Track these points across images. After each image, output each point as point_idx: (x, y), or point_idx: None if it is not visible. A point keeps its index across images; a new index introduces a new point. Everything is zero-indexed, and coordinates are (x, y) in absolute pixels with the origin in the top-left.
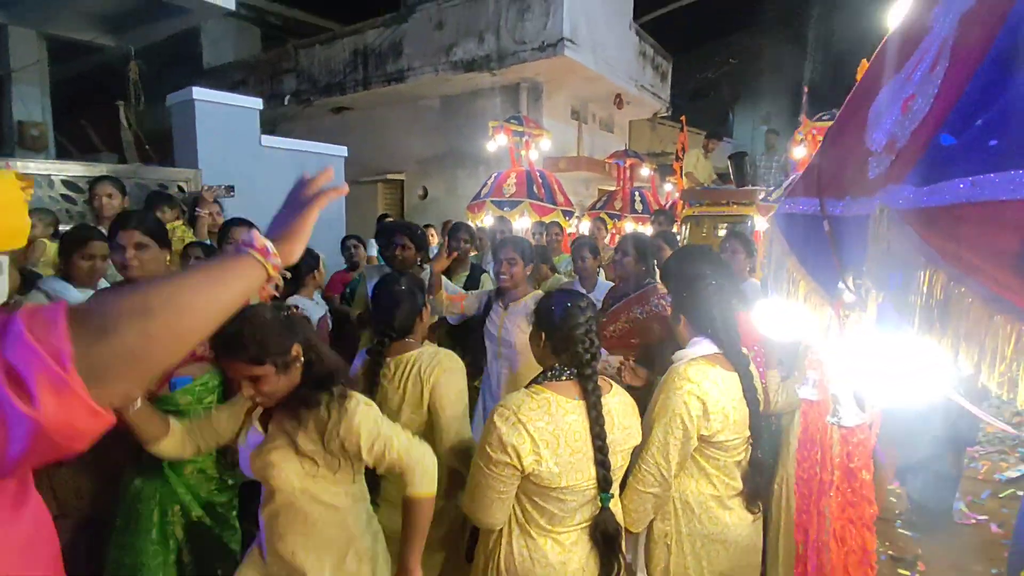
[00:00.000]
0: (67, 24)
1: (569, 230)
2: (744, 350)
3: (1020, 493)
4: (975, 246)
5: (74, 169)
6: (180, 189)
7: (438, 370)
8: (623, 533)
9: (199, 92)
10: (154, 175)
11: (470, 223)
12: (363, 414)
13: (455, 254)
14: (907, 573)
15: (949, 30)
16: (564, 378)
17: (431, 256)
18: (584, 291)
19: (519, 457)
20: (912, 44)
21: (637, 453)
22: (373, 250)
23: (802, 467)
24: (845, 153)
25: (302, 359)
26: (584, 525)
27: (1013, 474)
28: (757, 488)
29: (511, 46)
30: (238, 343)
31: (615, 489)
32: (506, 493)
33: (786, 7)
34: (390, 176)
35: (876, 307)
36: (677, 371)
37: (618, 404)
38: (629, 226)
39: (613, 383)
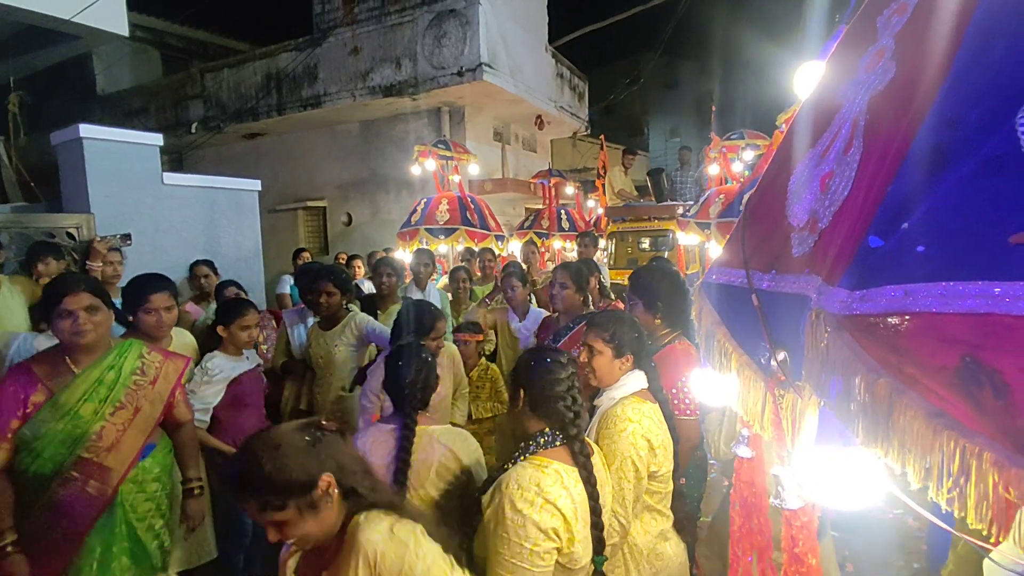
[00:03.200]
0: None
1: (504, 253)
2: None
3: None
4: (913, 359)
5: None
6: (70, 236)
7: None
8: None
9: (87, 129)
10: (39, 223)
11: (393, 257)
12: (426, 554)
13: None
14: (837, 574)
15: (859, 111)
16: (558, 444)
17: (357, 295)
18: (517, 320)
19: (559, 538)
20: (825, 119)
21: None
22: (287, 287)
23: (735, 523)
24: (768, 226)
25: (336, 491)
26: None
27: None
28: (688, 514)
29: (430, 71)
30: (248, 484)
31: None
32: None
33: (686, 28)
34: (310, 203)
35: (816, 415)
36: (615, 413)
37: (597, 463)
38: (557, 244)
39: (591, 442)
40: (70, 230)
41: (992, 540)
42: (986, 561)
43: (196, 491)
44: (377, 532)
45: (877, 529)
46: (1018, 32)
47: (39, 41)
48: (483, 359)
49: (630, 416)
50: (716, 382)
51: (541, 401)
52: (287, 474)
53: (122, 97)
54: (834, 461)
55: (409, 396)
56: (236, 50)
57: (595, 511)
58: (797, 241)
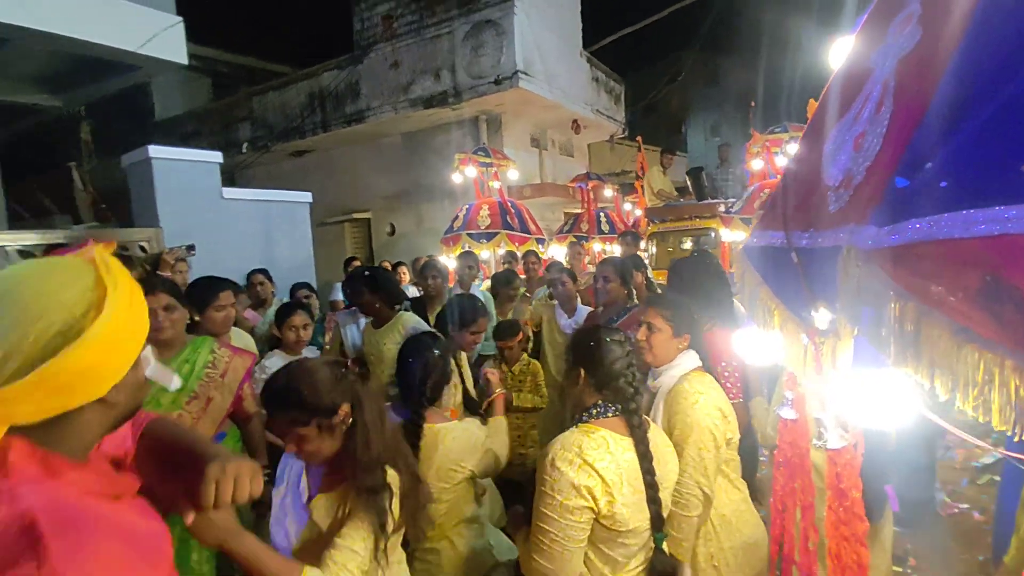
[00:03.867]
0: (9, 88)
1: (544, 257)
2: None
3: (996, 478)
4: (939, 282)
5: (28, 238)
6: (141, 248)
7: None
8: (678, 571)
9: (155, 150)
10: (113, 237)
11: (438, 259)
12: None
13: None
14: (899, 569)
15: (889, 72)
16: (611, 415)
17: (405, 298)
18: (567, 317)
19: (594, 499)
20: (857, 85)
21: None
22: (339, 294)
23: (778, 482)
24: (805, 188)
25: (349, 421)
26: (639, 569)
27: (988, 460)
28: (753, 478)
29: (468, 81)
30: (283, 400)
31: (667, 528)
32: (583, 541)
33: (727, 22)
34: (356, 215)
35: (852, 341)
36: (683, 388)
37: (660, 440)
38: (597, 247)
39: (650, 420)
40: (141, 243)
41: (1016, 439)
42: None
43: (266, 478)
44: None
45: (941, 524)
46: None
47: (102, 73)
48: (524, 354)
49: (699, 388)
50: (760, 339)
51: (603, 378)
52: (316, 396)
53: (177, 122)
54: (868, 384)
55: (417, 391)
56: (280, 73)
57: (651, 485)
58: (833, 199)
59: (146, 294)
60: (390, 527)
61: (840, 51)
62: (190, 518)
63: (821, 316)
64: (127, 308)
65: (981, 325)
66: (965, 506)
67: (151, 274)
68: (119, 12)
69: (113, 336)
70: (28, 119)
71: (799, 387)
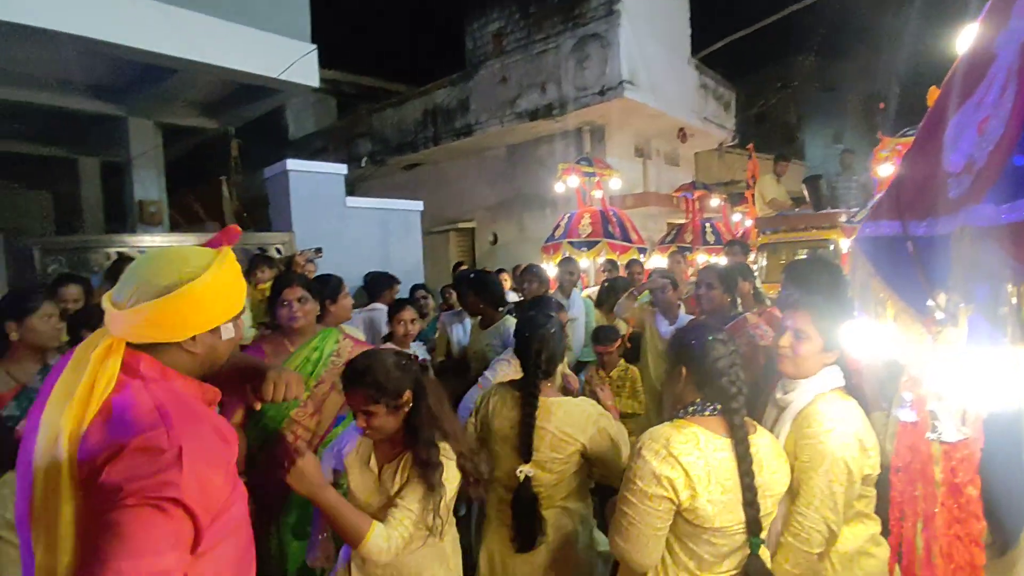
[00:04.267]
0: (176, 112)
1: (646, 267)
2: None
3: None
4: None
5: (191, 240)
6: (277, 251)
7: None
8: None
9: (292, 163)
10: (254, 240)
11: (538, 265)
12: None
13: None
14: None
15: (1013, 56)
16: (708, 413)
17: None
18: (668, 324)
19: (675, 490)
20: (980, 70)
21: (784, 501)
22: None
23: (896, 489)
24: (925, 175)
25: (411, 404)
26: (735, 570)
27: None
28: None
29: (572, 93)
30: (361, 379)
31: (764, 535)
32: (661, 530)
33: (844, 25)
34: (461, 224)
35: (967, 321)
36: (817, 411)
37: (765, 445)
38: (701, 258)
39: (756, 424)
40: (277, 246)
41: None
42: None
43: None
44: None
45: None
46: None
47: (249, 97)
48: (622, 360)
49: (837, 414)
50: (870, 333)
51: (705, 377)
52: (387, 380)
53: (307, 140)
54: (985, 366)
55: (533, 365)
56: (397, 91)
57: (748, 488)
58: (954, 185)
59: (284, 287)
60: (440, 493)
61: (965, 39)
62: (257, 405)
63: (939, 305)
64: (218, 285)
65: None
66: None
67: (289, 271)
68: (265, 43)
69: (199, 298)
70: (189, 139)
71: (919, 388)
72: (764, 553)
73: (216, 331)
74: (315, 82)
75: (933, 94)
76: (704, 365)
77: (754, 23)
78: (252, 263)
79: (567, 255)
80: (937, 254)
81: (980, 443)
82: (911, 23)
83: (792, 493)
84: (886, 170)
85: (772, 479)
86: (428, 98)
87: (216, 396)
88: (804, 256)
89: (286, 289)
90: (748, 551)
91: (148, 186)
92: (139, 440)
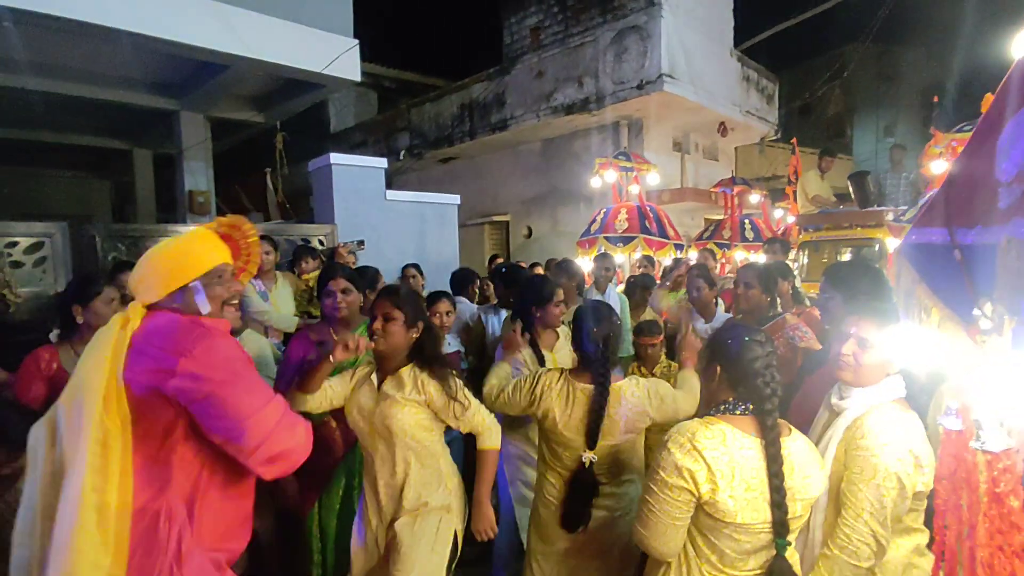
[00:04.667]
0: (226, 106)
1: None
2: None
3: None
4: None
5: None
6: (320, 242)
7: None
8: None
9: (336, 157)
10: (298, 231)
11: (569, 260)
12: (460, 394)
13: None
14: None
15: None
16: (739, 412)
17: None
18: (703, 321)
19: (695, 483)
20: None
21: (816, 506)
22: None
23: (940, 498)
24: (974, 183)
25: (419, 334)
26: (760, 570)
27: None
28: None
29: (610, 87)
30: (395, 290)
31: (792, 538)
32: (681, 520)
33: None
34: (496, 218)
35: (1011, 331)
36: (873, 423)
37: (799, 449)
38: (740, 255)
39: (792, 427)
40: (320, 237)
41: None
42: None
43: None
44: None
45: None
46: None
47: (295, 91)
48: (665, 357)
49: (893, 426)
50: (914, 339)
51: (740, 377)
52: (413, 305)
53: (348, 133)
54: None
55: (601, 356)
56: (435, 86)
57: (776, 489)
58: (1005, 195)
59: (331, 278)
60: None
61: (1021, 44)
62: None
63: (984, 314)
64: (180, 248)
65: None
66: None
67: (333, 263)
68: (310, 39)
69: (164, 257)
70: (238, 133)
71: (964, 396)
72: (792, 556)
73: (186, 289)
74: (357, 76)
75: (987, 100)
76: (740, 365)
77: (801, 11)
78: (296, 254)
79: (603, 250)
80: (984, 263)
81: (1022, 454)
82: (973, 12)
83: (838, 504)
84: (938, 167)
85: (804, 483)
86: (465, 92)
87: (228, 327)
88: (847, 256)
89: (331, 280)
90: (774, 552)
91: (197, 177)
92: (184, 340)
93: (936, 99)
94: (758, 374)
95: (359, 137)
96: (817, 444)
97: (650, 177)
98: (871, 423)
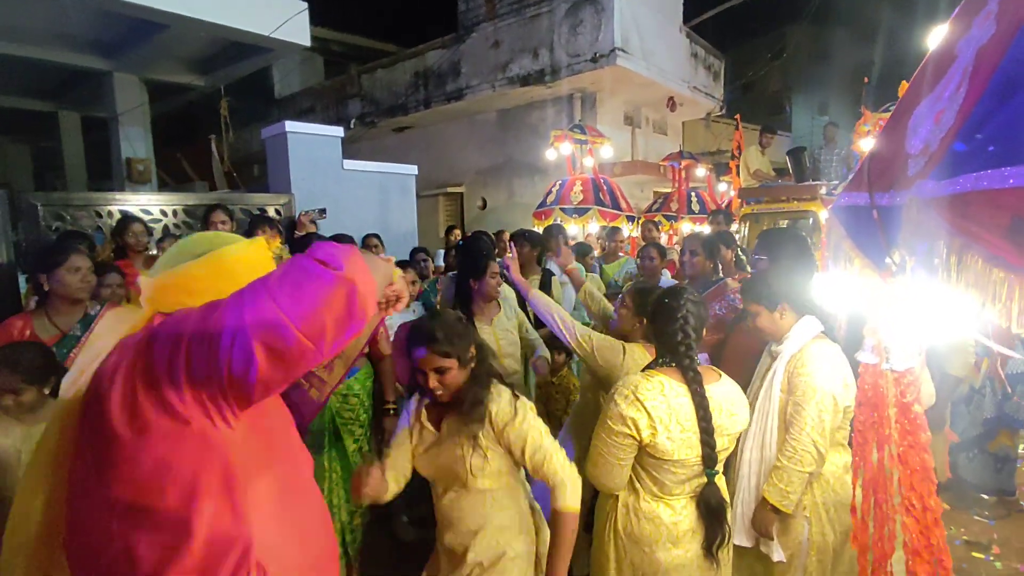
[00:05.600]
0: (164, 69)
1: (634, 234)
2: None
3: None
4: (978, 221)
5: (190, 199)
6: (277, 212)
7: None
8: (727, 507)
9: (291, 125)
10: (254, 201)
11: (530, 230)
12: (531, 422)
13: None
14: (981, 556)
15: (969, 60)
16: (674, 365)
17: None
18: None
19: (638, 430)
20: (943, 68)
21: (748, 438)
22: (440, 260)
23: (859, 419)
24: (890, 155)
25: (476, 359)
26: (691, 494)
27: None
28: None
29: (565, 59)
30: (434, 338)
31: (719, 467)
32: (625, 461)
33: None
34: (450, 188)
35: (911, 269)
36: (808, 353)
37: (726, 392)
38: (687, 227)
39: (722, 374)
40: (277, 207)
41: None
42: None
43: (391, 412)
44: (502, 399)
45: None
46: None
47: (240, 55)
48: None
49: (824, 355)
50: (838, 284)
51: (658, 330)
52: (459, 337)
53: (294, 99)
54: (923, 304)
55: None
56: (387, 52)
57: (705, 430)
58: (912, 165)
59: (304, 248)
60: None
61: (934, 38)
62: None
63: (894, 260)
64: (247, 258)
65: (1008, 253)
66: None
67: (293, 231)
68: (257, 1)
69: (227, 266)
70: (179, 97)
71: (878, 334)
72: (720, 480)
73: None
74: (306, 41)
75: (903, 87)
76: (656, 322)
77: None
78: (252, 224)
79: (558, 221)
80: (895, 220)
81: (925, 373)
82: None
83: (787, 425)
84: (867, 144)
85: (730, 421)
86: (419, 60)
87: None
88: (785, 226)
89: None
90: (704, 480)
91: (135, 143)
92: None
93: (866, 80)
94: (675, 331)
95: (307, 103)
96: (762, 384)
97: (604, 150)
98: (806, 356)
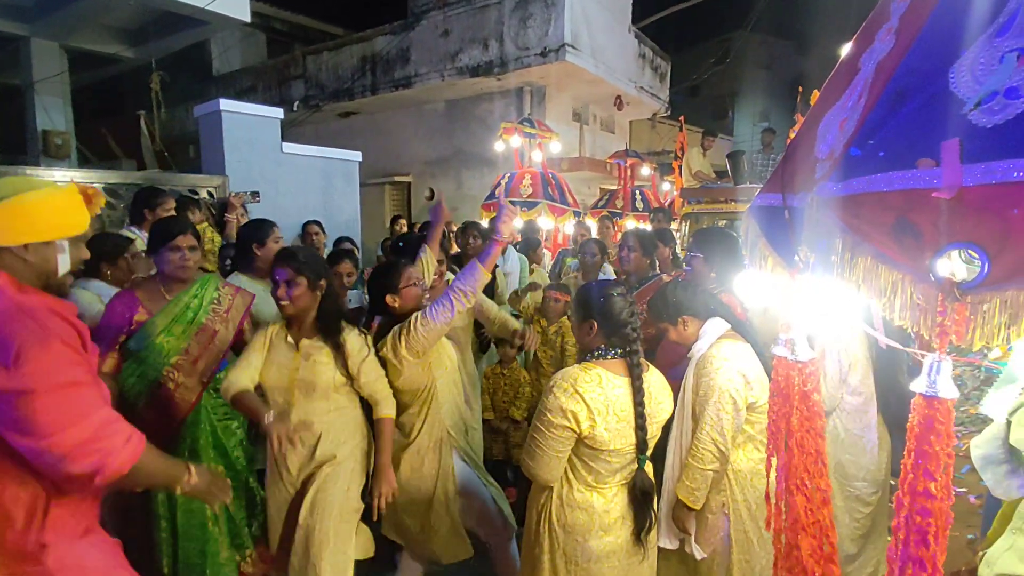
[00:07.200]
0: (89, 37)
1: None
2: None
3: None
4: (869, 221)
5: (113, 177)
6: (210, 194)
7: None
8: (655, 491)
9: (226, 104)
10: (185, 181)
11: (477, 222)
12: (373, 355)
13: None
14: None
15: (870, 72)
16: (610, 357)
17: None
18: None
19: (577, 422)
20: (848, 79)
21: (668, 427)
22: (379, 250)
23: (772, 409)
24: (801, 160)
25: (322, 292)
26: (622, 482)
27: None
28: None
29: (515, 52)
30: (293, 256)
31: (648, 453)
32: (563, 453)
33: (778, 6)
34: (397, 178)
35: (812, 264)
36: (710, 354)
37: (655, 381)
38: (631, 224)
39: (650, 364)
40: (210, 189)
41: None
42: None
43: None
44: (354, 334)
45: None
46: (960, 13)
47: (173, 27)
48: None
49: (725, 355)
50: (756, 282)
51: (612, 328)
52: (312, 265)
53: (234, 77)
54: (822, 298)
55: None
56: (333, 34)
57: (640, 416)
58: (819, 168)
59: (180, 232)
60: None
61: (844, 50)
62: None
63: (800, 257)
64: (52, 203)
65: (892, 250)
66: (963, 490)
67: (184, 219)
68: None
69: (31, 209)
70: (106, 68)
71: (790, 329)
72: (648, 467)
73: (50, 245)
74: (246, 16)
75: (815, 96)
76: (611, 318)
77: None
78: (179, 205)
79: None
80: (801, 220)
81: (823, 363)
82: (835, 12)
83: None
84: None
85: (658, 408)
86: (367, 44)
87: (72, 310)
88: (722, 226)
89: (181, 236)
90: (636, 466)
91: (53, 115)
92: None
93: (800, 89)
94: (625, 323)
95: (247, 82)
96: (683, 386)
97: (552, 145)
98: (709, 357)
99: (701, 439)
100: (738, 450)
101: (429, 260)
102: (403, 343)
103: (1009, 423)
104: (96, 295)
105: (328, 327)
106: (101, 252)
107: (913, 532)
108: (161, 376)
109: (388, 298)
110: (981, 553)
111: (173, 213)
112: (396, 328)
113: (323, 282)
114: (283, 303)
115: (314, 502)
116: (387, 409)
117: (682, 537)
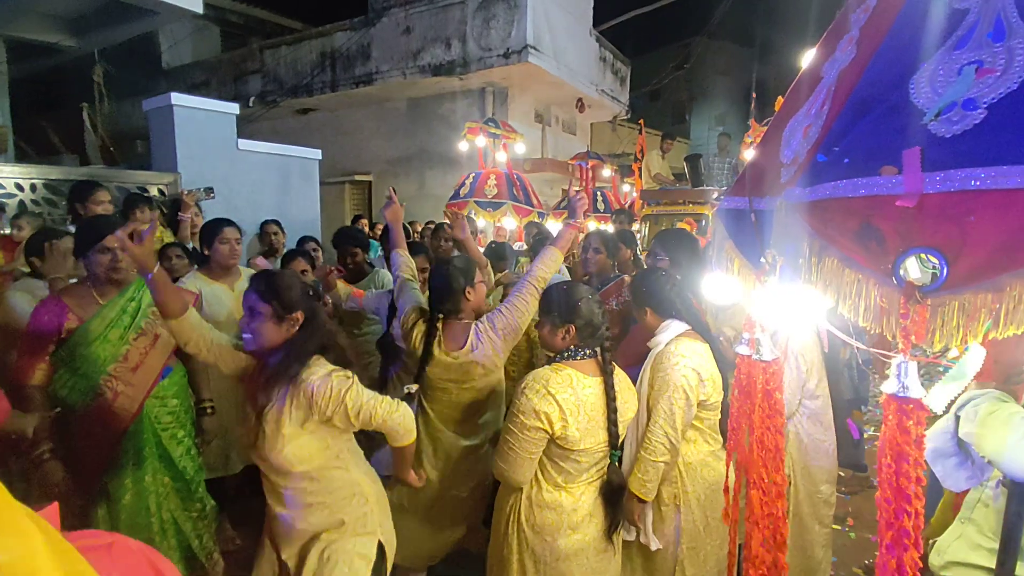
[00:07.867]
0: (27, 26)
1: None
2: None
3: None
4: (834, 225)
5: (54, 173)
6: (160, 192)
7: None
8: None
9: (177, 98)
10: (134, 178)
11: (445, 222)
12: (353, 389)
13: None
14: (838, 527)
15: (832, 80)
16: (580, 357)
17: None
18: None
19: (550, 423)
20: (811, 86)
21: (631, 424)
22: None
23: (734, 406)
24: (765, 164)
25: (298, 327)
26: (590, 481)
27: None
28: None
29: (477, 52)
30: (261, 281)
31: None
32: (535, 454)
33: (736, 14)
34: (358, 177)
35: (779, 268)
36: (667, 351)
37: (621, 381)
38: (592, 225)
39: (615, 364)
40: (161, 186)
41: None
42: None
43: (208, 410)
44: (316, 375)
45: (874, 490)
46: (919, 26)
47: (119, 17)
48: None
49: (681, 352)
50: (722, 282)
51: (589, 331)
52: (284, 292)
53: (186, 71)
54: (788, 300)
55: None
56: (290, 28)
57: (612, 411)
58: (784, 174)
59: (109, 232)
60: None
61: (806, 59)
62: None
63: (767, 260)
64: None
65: (857, 254)
66: None
67: (112, 216)
68: None
69: None
70: (46, 59)
71: (755, 328)
72: (631, 484)
73: None
74: (198, 7)
75: (779, 102)
76: (589, 322)
77: (655, 1)
78: (129, 202)
79: (472, 213)
80: (769, 223)
81: (787, 361)
82: (792, 21)
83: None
84: (751, 154)
85: (624, 407)
86: (327, 40)
87: None
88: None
89: (110, 236)
90: (606, 463)
91: None
92: None
93: (754, 95)
94: (599, 326)
95: (200, 76)
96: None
97: (517, 146)
98: (666, 352)
99: (654, 432)
100: (688, 444)
101: (409, 263)
102: (501, 339)
103: (958, 418)
104: (28, 294)
105: (282, 369)
106: (29, 248)
107: (900, 532)
108: (98, 386)
109: (468, 291)
110: (932, 542)
111: (109, 208)
112: (483, 330)
113: (296, 316)
114: (245, 336)
115: None
116: (400, 440)
117: (638, 528)
